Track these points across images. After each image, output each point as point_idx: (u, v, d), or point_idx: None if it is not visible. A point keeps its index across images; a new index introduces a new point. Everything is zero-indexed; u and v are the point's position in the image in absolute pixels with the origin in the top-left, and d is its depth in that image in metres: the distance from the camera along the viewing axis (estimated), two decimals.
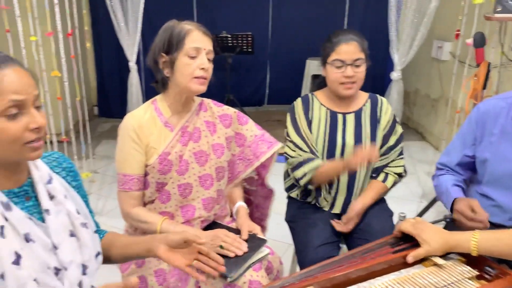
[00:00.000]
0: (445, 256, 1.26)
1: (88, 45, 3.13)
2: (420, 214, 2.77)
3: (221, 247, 1.39)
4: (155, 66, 1.49)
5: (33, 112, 0.96)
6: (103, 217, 2.99)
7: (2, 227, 0.96)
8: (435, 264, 1.21)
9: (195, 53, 1.42)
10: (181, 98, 1.51)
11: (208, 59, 1.46)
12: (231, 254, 1.38)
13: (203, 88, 1.47)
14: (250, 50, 4.70)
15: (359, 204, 1.72)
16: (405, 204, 3.22)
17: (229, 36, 4.53)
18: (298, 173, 1.73)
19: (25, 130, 0.95)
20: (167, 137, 1.51)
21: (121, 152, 1.50)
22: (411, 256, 1.22)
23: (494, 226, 1.62)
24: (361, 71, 1.69)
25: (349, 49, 1.66)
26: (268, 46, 5.59)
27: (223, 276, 1.36)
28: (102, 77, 5.38)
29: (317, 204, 1.83)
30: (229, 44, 4.59)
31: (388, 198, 1.89)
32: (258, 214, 1.86)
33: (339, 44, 1.66)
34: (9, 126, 0.93)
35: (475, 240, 1.17)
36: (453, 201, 1.57)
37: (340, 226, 1.71)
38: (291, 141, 1.77)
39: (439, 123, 4.36)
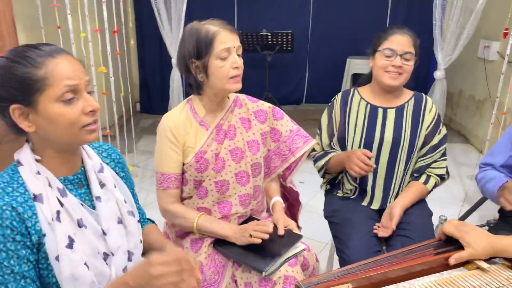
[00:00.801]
0: (489, 260, 1.22)
1: (132, 42, 3.22)
2: (462, 218, 2.68)
3: (250, 236, 1.41)
4: (186, 72, 1.49)
5: (87, 96, 1.02)
6: (144, 209, 3.07)
7: (58, 212, 1.01)
8: (479, 268, 1.18)
9: (226, 54, 1.42)
10: (217, 98, 1.52)
11: (238, 55, 1.46)
12: (258, 241, 1.39)
13: (239, 86, 1.47)
14: (289, 48, 4.69)
15: (398, 208, 1.68)
16: (446, 207, 3.13)
17: (269, 34, 4.54)
18: (318, 164, 1.84)
19: (81, 113, 1.00)
20: (203, 136, 1.53)
21: (159, 152, 1.53)
22: (453, 258, 1.19)
23: None
24: (410, 64, 1.69)
25: (402, 40, 1.67)
26: (308, 45, 5.57)
27: (258, 270, 1.37)
28: (144, 74, 5.51)
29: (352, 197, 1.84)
30: (269, 42, 4.60)
31: (429, 200, 1.85)
32: (292, 212, 1.87)
33: (393, 34, 1.68)
34: (67, 110, 0.98)
35: None
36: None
37: (382, 231, 1.67)
38: (320, 131, 1.84)
39: (484, 125, 4.21)
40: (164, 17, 3.19)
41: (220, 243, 1.52)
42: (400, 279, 1.14)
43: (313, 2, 5.38)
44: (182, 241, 1.61)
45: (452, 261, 1.18)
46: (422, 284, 1.12)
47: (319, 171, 1.87)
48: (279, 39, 4.59)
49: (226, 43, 1.41)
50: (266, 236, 1.40)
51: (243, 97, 1.66)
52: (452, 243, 1.25)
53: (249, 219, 1.63)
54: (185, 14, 3.19)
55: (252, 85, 5.72)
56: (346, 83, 4.81)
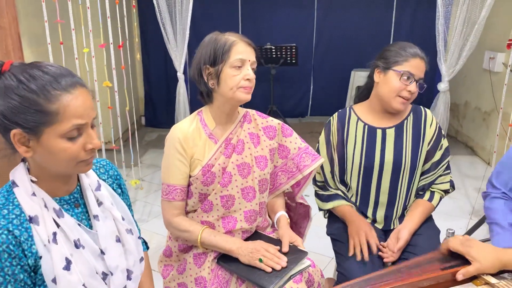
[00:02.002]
0: (498, 275, 1.19)
1: (138, 56, 3.24)
2: (470, 232, 2.65)
3: (260, 260, 1.39)
4: (199, 78, 1.50)
5: (90, 133, 1.01)
6: (149, 223, 3.07)
7: (55, 233, 1.00)
8: (487, 283, 1.15)
9: (240, 64, 1.43)
10: (226, 109, 1.52)
11: (252, 69, 1.47)
12: (268, 269, 1.37)
13: (249, 97, 1.47)
14: (294, 61, 4.71)
15: (406, 232, 1.65)
16: (453, 220, 3.09)
17: (273, 47, 4.56)
18: (325, 205, 1.81)
19: (82, 149, 1.00)
20: (211, 149, 1.52)
21: (167, 163, 1.52)
22: (461, 273, 1.16)
23: None
24: (418, 91, 1.65)
25: (421, 66, 1.62)
26: (312, 58, 5.58)
27: (262, 287, 1.35)
28: (149, 88, 5.55)
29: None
30: (273, 56, 4.62)
31: (436, 214, 1.82)
32: (295, 232, 1.84)
33: (415, 57, 1.61)
34: (69, 146, 0.97)
35: None
36: None
37: (388, 256, 1.63)
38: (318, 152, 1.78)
39: (491, 137, 4.17)
40: (169, 31, 3.22)
41: (224, 259, 1.50)
42: None
43: (317, 15, 5.41)
44: (185, 255, 1.59)
45: (459, 276, 1.16)
46: None
47: (323, 209, 1.86)
48: (283, 52, 4.61)
49: (242, 54, 1.43)
50: (278, 267, 1.38)
51: (252, 112, 1.65)
52: (458, 257, 1.23)
53: (255, 234, 1.61)
54: (189, 28, 3.21)
55: (257, 98, 5.72)
56: (351, 95, 4.80)
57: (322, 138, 1.81)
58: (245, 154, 1.55)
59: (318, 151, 1.81)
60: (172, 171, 1.50)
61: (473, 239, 1.24)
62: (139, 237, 1.30)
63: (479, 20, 3.10)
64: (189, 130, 1.51)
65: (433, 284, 1.15)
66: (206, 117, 1.55)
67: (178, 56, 3.31)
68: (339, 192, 1.79)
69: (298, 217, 1.84)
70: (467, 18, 3.15)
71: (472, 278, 1.18)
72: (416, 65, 1.61)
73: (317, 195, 1.85)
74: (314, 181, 1.84)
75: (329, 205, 1.78)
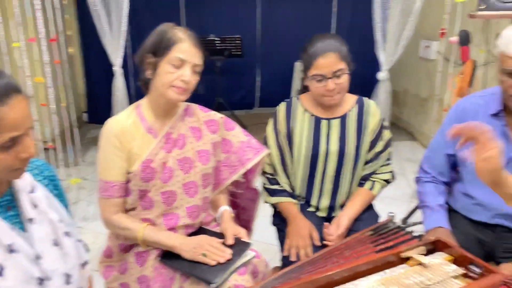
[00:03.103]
0: (430, 255, 1.24)
1: (72, 50, 3.11)
2: (410, 214, 2.76)
3: (204, 255, 1.38)
4: (141, 65, 1.47)
5: (26, 142, 0.95)
6: (93, 223, 2.95)
7: None
8: (420, 264, 1.20)
9: (179, 63, 1.39)
10: (162, 103, 1.48)
11: (195, 71, 1.43)
12: (213, 263, 1.37)
13: (182, 98, 1.44)
14: (239, 53, 4.69)
15: (345, 218, 1.69)
16: (395, 204, 3.21)
17: (217, 39, 4.52)
18: (270, 199, 1.80)
19: (15, 158, 0.94)
20: (150, 144, 1.48)
21: (103, 158, 1.47)
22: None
23: (478, 224, 1.61)
24: (343, 81, 1.63)
25: (326, 62, 1.58)
26: (258, 49, 5.57)
27: (207, 282, 1.34)
28: (90, 83, 5.33)
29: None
30: (218, 48, 4.58)
31: (378, 199, 1.87)
32: (245, 216, 1.84)
33: (316, 58, 1.59)
34: (2, 157, 0.92)
35: None
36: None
37: (330, 240, 1.66)
38: (266, 144, 1.78)
39: (429, 122, 4.37)
40: (104, 23, 3.09)
41: (167, 256, 1.47)
42: (344, 280, 1.14)
43: (261, 7, 5.40)
44: (126, 255, 1.54)
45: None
46: (366, 285, 1.12)
47: (268, 202, 1.85)
48: (228, 44, 4.58)
49: (184, 54, 1.39)
50: (223, 260, 1.37)
51: (194, 106, 1.62)
52: (385, 233, 1.27)
53: (200, 229, 1.59)
54: (130, 18, 3.11)
55: (203, 90, 5.68)
56: (296, 87, 4.85)
57: (269, 128, 1.81)
58: (186, 148, 1.52)
59: (265, 142, 1.80)
60: (109, 166, 1.45)
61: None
62: (79, 240, 1.25)
63: (414, 10, 3.21)
64: (126, 124, 1.47)
65: (370, 268, 1.18)
66: (145, 110, 1.51)
67: (115, 50, 3.20)
68: (287, 188, 1.79)
69: (247, 202, 1.83)
70: (403, 9, 3.25)
71: (406, 259, 1.23)
72: (321, 65, 1.59)
73: (264, 187, 1.84)
74: (264, 173, 1.83)
75: (274, 200, 1.79)
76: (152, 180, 1.46)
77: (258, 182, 1.80)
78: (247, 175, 1.71)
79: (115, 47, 3.19)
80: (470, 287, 1.10)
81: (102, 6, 3.04)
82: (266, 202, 1.85)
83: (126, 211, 1.53)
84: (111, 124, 1.47)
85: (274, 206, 1.88)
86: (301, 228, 1.66)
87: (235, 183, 1.76)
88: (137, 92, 1.39)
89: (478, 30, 2.97)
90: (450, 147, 1.64)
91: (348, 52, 1.65)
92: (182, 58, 1.38)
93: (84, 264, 1.14)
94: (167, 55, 1.38)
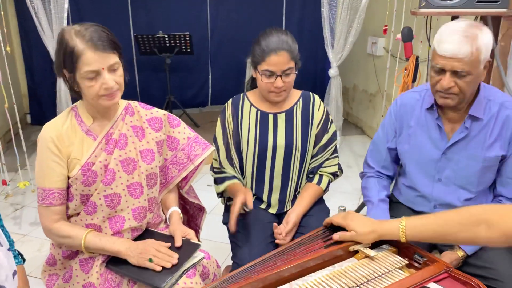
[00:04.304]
0: (377, 247, 1.27)
1: (9, 49, 2.92)
2: (359, 208, 2.82)
3: (150, 260, 1.34)
4: (64, 78, 1.38)
5: None
6: (40, 229, 2.81)
7: None
8: (367, 256, 1.22)
9: (94, 74, 1.31)
10: (99, 106, 1.41)
11: (114, 70, 1.35)
12: (158, 268, 1.33)
13: (116, 100, 1.38)
14: (189, 50, 4.62)
15: (294, 215, 1.69)
16: (346, 198, 3.28)
17: (166, 36, 4.43)
18: (220, 188, 1.79)
19: None
20: (90, 146, 1.42)
21: (40, 165, 1.40)
22: (337, 235, 1.26)
23: (420, 215, 1.66)
24: (291, 79, 1.66)
25: (279, 60, 1.60)
26: (208, 46, 5.52)
27: (155, 286, 1.30)
28: (33, 83, 5.08)
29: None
30: (167, 45, 4.48)
31: (330, 193, 1.90)
32: (192, 224, 1.81)
33: (269, 55, 1.60)
34: None
35: (403, 227, 1.19)
36: None
37: (280, 239, 1.66)
38: (217, 148, 1.78)
39: (377, 117, 4.49)
40: (43, 20, 2.94)
41: (113, 261, 1.42)
42: (294, 277, 1.14)
43: (210, 4, 5.35)
44: (70, 262, 1.48)
45: (336, 237, 1.26)
46: (315, 280, 1.13)
47: (218, 193, 1.84)
48: (177, 41, 4.49)
49: (92, 65, 1.29)
50: (169, 266, 1.34)
51: (135, 104, 1.57)
52: (336, 228, 1.30)
53: (146, 231, 1.54)
54: (73, 16, 2.98)
55: (153, 89, 5.56)
56: (248, 84, 4.85)
57: (218, 125, 1.80)
58: (128, 148, 1.47)
59: (215, 138, 1.79)
60: (47, 173, 1.39)
61: (354, 213, 1.32)
62: (10, 249, 1.17)
63: (360, 7, 3.28)
64: (63, 128, 1.40)
65: (319, 263, 1.20)
66: (82, 112, 1.45)
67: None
68: (235, 174, 1.79)
69: (194, 210, 1.81)
70: (350, 6, 3.32)
71: (354, 253, 1.25)
72: (275, 61, 1.60)
73: (214, 181, 1.83)
74: (212, 168, 1.83)
75: (223, 186, 1.77)
76: (93, 183, 1.41)
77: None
78: (181, 181, 1.68)
79: None
80: (413, 276, 1.14)
81: (40, 2, 2.89)
82: (218, 194, 1.84)
83: (69, 217, 1.47)
84: (47, 129, 1.41)
85: (226, 200, 1.87)
86: (238, 196, 1.61)
87: (180, 187, 1.73)
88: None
89: (422, 26, 3.08)
90: (391, 141, 1.69)
91: (297, 51, 1.67)
92: (93, 70, 1.30)
93: (14, 274, 1.08)
94: (78, 71, 1.30)
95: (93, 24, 1.35)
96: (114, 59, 1.33)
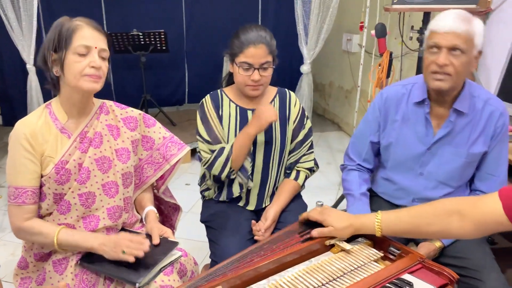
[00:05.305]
0: (353, 241, 1.28)
1: None
2: (337, 203, 2.85)
3: (124, 252, 1.32)
4: (45, 65, 1.38)
5: None
6: (12, 234, 2.75)
7: None
8: (343, 250, 1.24)
9: (85, 50, 1.33)
10: (76, 100, 1.40)
11: (103, 57, 1.37)
12: (132, 259, 1.31)
13: (97, 86, 1.37)
14: (164, 48, 4.57)
15: (272, 211, 1.70)
16: (324, 193, 3.31)
17: (141, 34, 4.37)
18: (216, 169, 1.67)
19: None
20: (64, 144, 1.40)
21: (13, 163, 1.37)
22: (315, 231, 1.26)
23: (399, 208, 1.69)
24: (268, 74, 1.66)
25: (257, 53, 1.60)
26: (184, 44, 5.48)
27: (131, 283, 1.29)
28: (3, 83, 4.93)
29: (229, 200, 1.80)
30: (141, 43, 4.42)
31: (307, 189, 1.91)
32: (167, 225, 1.80)
33: (247, 46, 1.60)
34: None
35: (378, 221, 1.21)
36: None
37: (259, 235, 1.66)
38: (203, 140, 1.72)
39: (353, 113, 4.53)
40: (12, 18, 2.86)
41: (88, 259, 1.40)
42: (271, 272, 1.15)
43: (185, 1, 5.31)
44: (43, 264, 1.45)
45: (314, 233, 1.26)
46: (292, 275, 1.13)
47: (219, 174, 1.68)
48: (152, 39, 4.43)
49: (87, 40, 1.33)
50: (141, 254, 1.32)
51: (110, 103, 1.55)
52: (316, 226, 1.30)
53: (121, 230, 1.53)
54: (43, 13, 2.91)
55: (129, 87, 5.48)
56: (224, 81, 4.83)
57: (198, 121, 1.76)
58: (104, 147, 1.46)
59: (199, 134, 1.74)
60: (20, 171, 1.35)
61: (330, 208, 1.33)
62: None
63: (332, 4, 3.31)
64: (37, 125, 1.38)
65: (296, 258, 1.20)
66: (56, 110, 1.42)
67: (26, 46, 2.98)
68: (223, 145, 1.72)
69: (169, 210, 1.79)
70: (322, 2, 3.34)
71: (330, 247, 1.26)
72: (252, 54, 1.60)
73: (208, 166, 1.70)
74: (201, 160, 1.75)
75: (227, 149, 1.67)
76: (67, 182, 1.39)
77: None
78: (157, 181, 1.67)
79: (27, 43, 2.98)
80: (388, 268, 1.15)
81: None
82: (216, 174, 1.69)
83: (41, 217, 1.44)
84: (20, 126, 1.37)
85: (203, 199, 1.86)
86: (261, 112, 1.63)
87: (156, 187, 1.71)
88: (49, 91, 1.30)
89: (395, 23, 3.12)
90: (374, 134, 1.70)
91: (275, 48, 1.68)
92: (86, 45, 1.33)
93: None
94: (70, 45, 1.32)
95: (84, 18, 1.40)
96: (105, 45, 1.38)
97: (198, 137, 1.74)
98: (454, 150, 1.56)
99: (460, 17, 1.43)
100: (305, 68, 3.50)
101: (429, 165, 1.61)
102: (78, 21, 1.36)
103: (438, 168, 1.60)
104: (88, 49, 1.33)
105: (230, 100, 1.76)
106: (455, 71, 1.44)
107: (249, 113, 1.74)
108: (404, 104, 1.63)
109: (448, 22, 1.42)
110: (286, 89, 1.84)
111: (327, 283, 1.10)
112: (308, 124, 1.83)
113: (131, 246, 1.33)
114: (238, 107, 1.75)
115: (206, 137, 1.71)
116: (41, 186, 1.39)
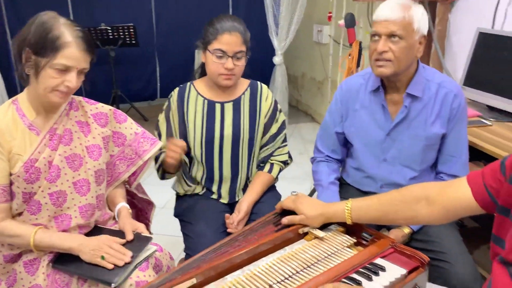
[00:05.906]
0: (325, 228, 1.30)
1: None
2: (313, 191, 2.88)
3: (103, 258, 1.31)
4: (18, 57, 1.32)
5: None
6: None
7: None
8: (316, 237, 1.25)
9: (65, 68, 1.29)
10: (44, 101, 1.36)
11: (80, 74, 1.34)
12: (110, 266, 1.30)
13: (64, 102, 1.37)
14: (133, 42, 4.50)
15: (245, 204, 1.70)
16: (298, 183, 3.34)
17: (109, 28, 4.29)
18: (156, 165, 1.74)
19: None
20: (33, 142, 1.36)
21: None
22: (286, 219, 1.28)
23: (368, 194, 1.71)
24: (241, 64, 1.65)
25: (231, 40, 1.59)
26: (154, 38, 5.40)
27: (107, 283, 1.28)
28: None
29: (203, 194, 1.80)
30: (110, 37, 4.35)
31: (282, 179, 1.92)
32: (142, 218, 1.78)
33: (222, 33, 1.59)
34: None
35: (348, 209, 1.23)
36: None
37: (233, 228, 1.67)
38: (159, 133, 1.75)
39: (325, 103, 4.58)
40: None
41: (61, 260, 1.37)
42: (245, 262, 1.15)
43: None
44: (13, 266, 1.41)
45: (284, 221, 1.28)
46: (266, 264, 1.14)
47: (157, 171, 1.78)
48: (121, 33, 4.37)
49: (70, 60, 1.28)
50: (121, 264, 1.30)
51: (79, 99, 1.52)
52: (287, 212, 1.32)
53: (94, 229, 1.50)
54: (7, 8, 2.81)
55: (98, 83, 5.33)
56: (197, 73, 4.79)
57: (162, 115, 1.76)
58: (74, 144, 1.43)
59: (159, 132, 1.76)
60: None
61: (304, 196, 1.34)
62: None
63: None
64: (3, 121, 1.34)
65: (270, 247, 1.21)
66: (24, 106, 1.38)
67: None
68: None
69: (143, 204, 1.77)
70: None
71: (303, 235, 1.27)
72: (226, 41, 1.60)
73: (162, 171, 1.78)
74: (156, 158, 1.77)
75: (161, 157, 1.73)
76: (37, 181, 1.35)
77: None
78: (130, 177, 1.65)
79: None
80: (361, 253, 1.18)
81: None
82: (163, 175, 1.79)
83: (12, 217, 1.39)
84: None
85: (176, 194, 1.85)
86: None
87: (128, 182, 1.69)
88: (21, 86, 1.25)
89: (363, 13, 3.16)
90: (338, 125, 1.73)
91: (249, 39, 1.68)
92: (68, 65, 1.29)
93: None
94: (52, 59, 1.26)
95: (79, 24, 1.35)
96: (87, 64, 1.34)
97: (156, 131, 1.75)
98: (412, 134, 1.60)
99: (397, 5, 1.48)
100: (277, 59, 3.52)
101: (391, 150, 1.64)
102: (68, 34, 1.28)
103: (399, 152, 1.63)
104: (68, 68, 1.29)
105: (198, 93, 1.74)
106: (395, 57, 1.49)
107: (217, 106, 1.73)
108: (363, 94, 1.67)
109: (386, 11, 1.48)
110: (259, 82, 1.83)
111: (301, 270, 1.11)
112: (282, 117, 1.83)
113: (110, 252, 1.32)
114: (206, 101, 1.73)
115: (164, 133, 1.74)
116: (11, 184, 1.35)
